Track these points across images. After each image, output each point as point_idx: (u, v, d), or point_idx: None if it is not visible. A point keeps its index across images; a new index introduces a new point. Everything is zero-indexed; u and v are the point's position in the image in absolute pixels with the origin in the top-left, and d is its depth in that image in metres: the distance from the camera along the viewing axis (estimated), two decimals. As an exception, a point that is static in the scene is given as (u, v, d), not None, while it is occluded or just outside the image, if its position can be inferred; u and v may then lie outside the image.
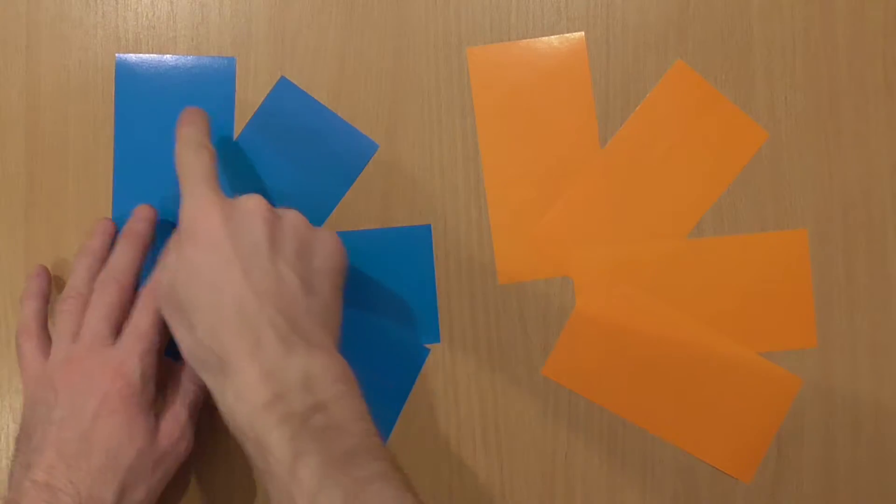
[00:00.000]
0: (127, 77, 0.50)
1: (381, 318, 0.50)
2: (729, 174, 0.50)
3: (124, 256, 0.46)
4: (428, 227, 0.50)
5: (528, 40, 0.50)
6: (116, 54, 0.50)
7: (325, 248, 0.43)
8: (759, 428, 0.50)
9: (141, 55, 0.50)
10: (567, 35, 0.50)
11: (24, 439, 0.43)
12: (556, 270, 0.50)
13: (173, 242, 0.42)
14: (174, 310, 0.41)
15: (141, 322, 0.44)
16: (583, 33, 0.50)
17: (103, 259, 0.47)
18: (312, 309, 0.40)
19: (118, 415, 0.42)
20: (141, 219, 0.47)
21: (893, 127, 0.50)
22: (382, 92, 0.50)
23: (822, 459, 0.50)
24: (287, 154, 0.50)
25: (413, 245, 0.50)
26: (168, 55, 0.50)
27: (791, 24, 0.50)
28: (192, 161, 0.42)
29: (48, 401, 0.43)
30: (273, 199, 0.48)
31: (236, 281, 0.39)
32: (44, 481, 0.40)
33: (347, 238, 0.49)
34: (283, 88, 0.50)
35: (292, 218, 0.42)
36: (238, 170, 0.50)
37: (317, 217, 0.49)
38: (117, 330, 0.44)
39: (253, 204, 0.41)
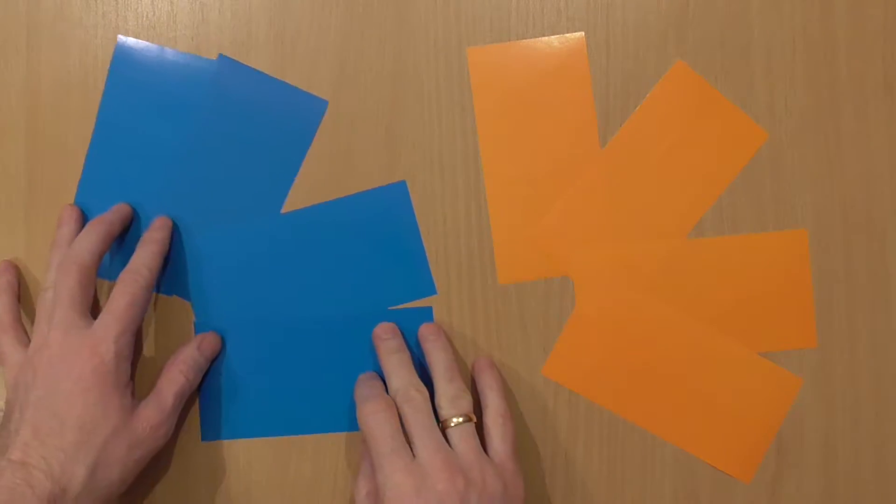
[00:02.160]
0: (124, 61, 0.50)
1: (373, 285, 0.50)
2: (729, 174, 0.50)
3: (86, 240, 0.47)
4: (403, 184, 0.50)
5: (528, 40, 0.50)
6: (119, 36, 0.50)
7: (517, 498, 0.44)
8: (759, 428, 0.50)
9: (142, 42, 0.51)
10: (567, 35, 0.50)
11: (5, 424, 0.44)
12: (556, 270, 0.50)
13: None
14: None
15: (117, 304, 0.45)
16: (583, 33, 0.50)
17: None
18: None
19: (92, 393, 0.43)
20: (112, 210, 0.49)
21: (893, 127, 0.50)
22: (382, 92, 0.50)
23: (822, 459, 0.50)
24: (240, 130, 0.50)
25: (392, 204, 0.50)
26: (170, 49, 0.50)
27: (791, 24, 0.50)
28: (374, 427, 0.44)
29: (27, 384, 0.44)
30: (233, 177, 0.50)
31: None
32: (19, 460, 0.41)
33: (324, 210, 0.50)
34: (224, 65, 0.50)
35: (487, 487, 0.43)
36: (192, 156, 0.50)
37: (280, 186, 0.50)
38: (87, 311, 0.46)
39: (443, 485, 0.42)
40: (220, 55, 0.50)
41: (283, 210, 0.50)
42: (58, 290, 0.45)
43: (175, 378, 0.47)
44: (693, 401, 0.50)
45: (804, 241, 0.50)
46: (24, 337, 0.47)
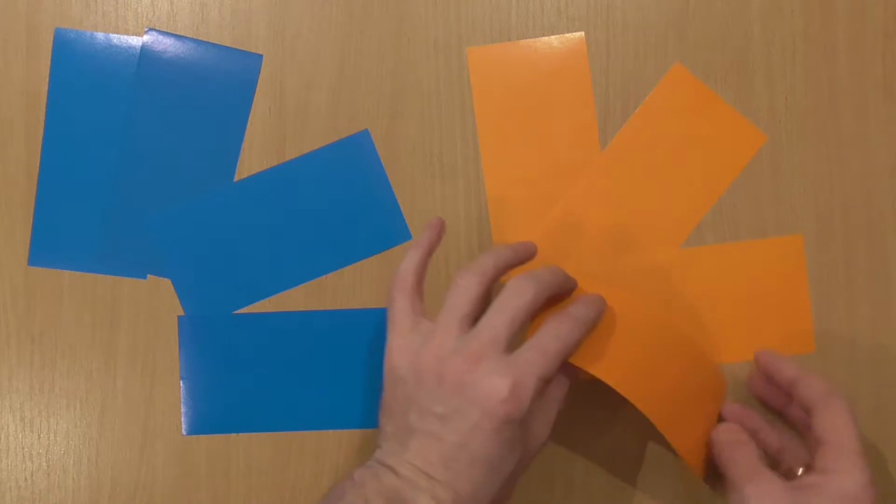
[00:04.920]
0: (64, 50, 0.50)
1: (348, 240, 0.50)
2: (728, 177, 0.50)
3: (556, 279, 0.43)
4: (366, 132, 0.50)
5: (528, 40, 0.50)
6: (55, 28, 0.50)
7: None
8: (758, 428, 0.50)
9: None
10: (567, 35, 0.50)
11: (398, 409, 0.41)
12: (555, 271, 0.50)
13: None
14: None
15: (548, 344, 0.41)
16: (583, 33, 0.50)
17: (520, 259, 0.45)
18: None
19: (502, 433, 0.39)
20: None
21: (893, 127, 0.50)
22: (382, 92, 0.50)
23: (822, 459, 0.50)
24: (181, 100, 0.50)
25: (356, 154, 0.50)
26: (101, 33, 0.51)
27: (791, 24, 0.50)
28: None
29: (430, 388, 0.40)
30: (180, 150, 0.50)
31: None
32: (422, 468, 0.39)
33: (284, 171, 0.50)
34: (152, 40, 0.50)
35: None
36: (140, 135, 0.50)
37: (230, 148, 0.50)
38: (513, 341, 0.41)
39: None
40: (148, 29, 0.50)
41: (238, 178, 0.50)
42: (505, 301, 0.41)
43: (562, 381, 0.43)
44: (693, 402, 0.50)
45: (800, 247, 0.50)
46: (419, 302, 0.43)
